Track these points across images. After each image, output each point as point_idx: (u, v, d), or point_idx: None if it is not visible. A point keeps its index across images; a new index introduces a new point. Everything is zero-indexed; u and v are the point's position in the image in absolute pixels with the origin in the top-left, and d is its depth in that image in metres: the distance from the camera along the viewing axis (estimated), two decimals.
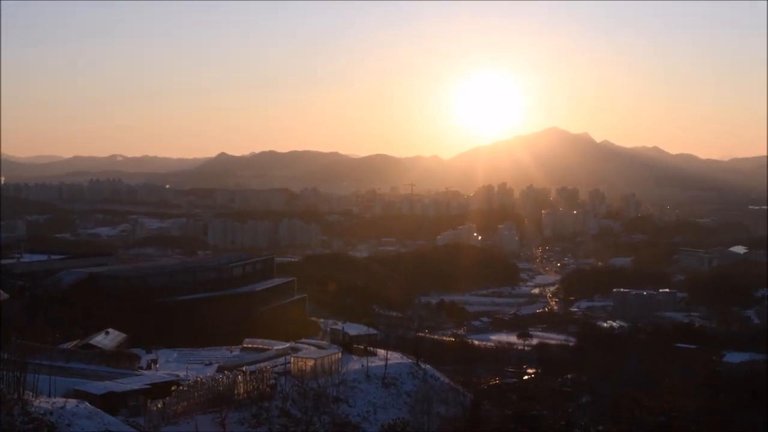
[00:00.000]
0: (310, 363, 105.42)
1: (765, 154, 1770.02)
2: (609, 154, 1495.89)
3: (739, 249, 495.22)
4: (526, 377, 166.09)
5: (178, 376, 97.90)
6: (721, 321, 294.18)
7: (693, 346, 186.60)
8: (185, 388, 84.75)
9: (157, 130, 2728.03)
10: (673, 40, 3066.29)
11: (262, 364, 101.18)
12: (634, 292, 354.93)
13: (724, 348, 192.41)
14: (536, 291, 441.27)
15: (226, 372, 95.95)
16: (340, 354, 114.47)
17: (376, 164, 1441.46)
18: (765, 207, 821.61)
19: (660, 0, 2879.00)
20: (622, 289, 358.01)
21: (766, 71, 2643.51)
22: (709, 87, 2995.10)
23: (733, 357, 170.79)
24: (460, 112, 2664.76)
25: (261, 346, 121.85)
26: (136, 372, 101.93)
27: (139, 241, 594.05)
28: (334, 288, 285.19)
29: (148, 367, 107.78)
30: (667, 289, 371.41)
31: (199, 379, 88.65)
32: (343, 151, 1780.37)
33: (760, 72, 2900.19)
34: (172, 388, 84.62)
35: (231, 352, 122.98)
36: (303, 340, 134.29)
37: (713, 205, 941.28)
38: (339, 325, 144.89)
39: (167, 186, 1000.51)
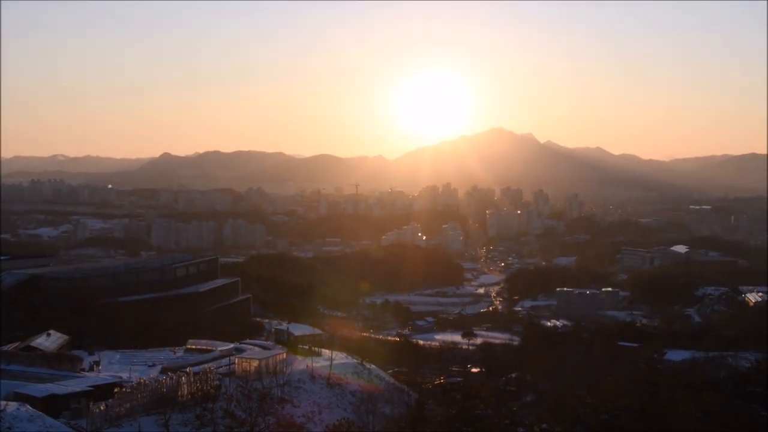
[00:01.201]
0: (255, 364, 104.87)
1: (706, 154, 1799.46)
2: (553, 155, 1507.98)
3: (681, 248, 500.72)
4: (470, 376, 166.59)
5: (120, 377, 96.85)
6: (663, 319, 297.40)
7: (635, 345, 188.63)
8: (128, 390, 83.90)
9: (99, 130, 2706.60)
10: (615, 42, 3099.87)
11: (206, 365, 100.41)
12: (577, 291, 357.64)
13: (666, 346, 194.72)
14: (480, 291, 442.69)
15: (169, 373, 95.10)
16: (284, 354, 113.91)
17: (321, 164, 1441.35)
18: (706, 207, 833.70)
19: (602, 0, 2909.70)
20: (565, 289, 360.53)
21: (708, 74, 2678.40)
22: (650, 88, 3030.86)
23: (675, 355, 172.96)
24: (405, 112, 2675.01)
25: (205, 347, 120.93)
26: (78, 374, 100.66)
27: (82, 242, 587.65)
28: (278, 288, 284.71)
29: (91, 369, 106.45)
30: (609, 288, 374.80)
31: (142, 380, 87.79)
32: (288, 152, 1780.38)
33: (700, 74, 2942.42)
34: (115, 390, 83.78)
35: (175, 353, 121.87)
36: (247, 340, 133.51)
37: (655, 205, 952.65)
38: (284, 326, 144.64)
39: (110, 186, 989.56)
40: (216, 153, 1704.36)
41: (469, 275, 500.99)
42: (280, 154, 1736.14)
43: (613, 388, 70.71)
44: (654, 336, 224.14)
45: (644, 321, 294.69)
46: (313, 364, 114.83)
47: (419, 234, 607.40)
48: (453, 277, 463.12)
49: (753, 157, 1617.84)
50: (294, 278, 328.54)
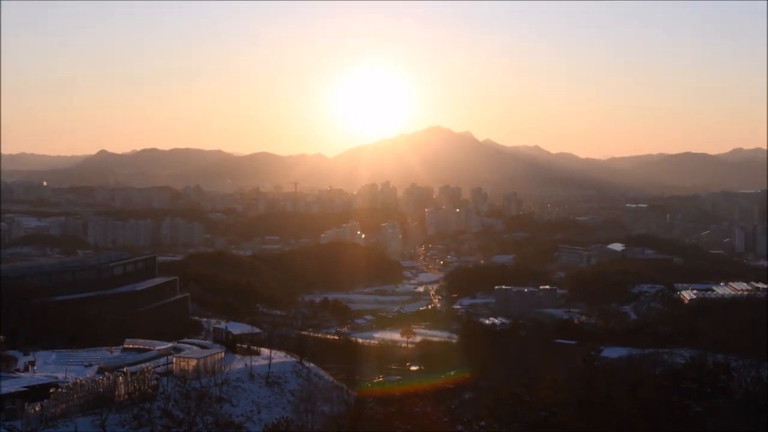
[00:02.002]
0: (193, 363, 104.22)
1: (642, 153, 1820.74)
2: (491, 153, 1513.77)
3: (617, 246, 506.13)
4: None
5: (56, 378, 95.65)
6: (600, 317, 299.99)
7: (572, 342, 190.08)
8: (64, 390, 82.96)
9: (34, 127, 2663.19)
10: (552, 41, 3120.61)
11: (143, 365, 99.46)
12: (515, 289, 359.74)
13: (603, 343, 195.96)
14: (419, 289, 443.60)
15: (106, 373, 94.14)
16: (223, 353, 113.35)
17: (260, 162, 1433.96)
18: (642, 205, 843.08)
19: (538, 0, 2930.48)
20: (503, 287, 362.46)
21: (643, 74, 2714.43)
22: (587, 88, 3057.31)
23: (611, 352, 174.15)
24: (345, 110, 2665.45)
25: (142, 347, 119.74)
26: (13, 374, 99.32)
27: (16, 241, 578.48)
28: (217, 287, 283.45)
29: (26, 370, 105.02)
30: (547, 286, 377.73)
31: (78, 380, 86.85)
32: (226, 149, 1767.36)
33: (636, 74, 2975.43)
34: (51, 391, 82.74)
35: (112, 352, 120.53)
36: (185, 339, 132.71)
37: (592, 203, 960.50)
38: (222, 324, 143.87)
39: (45, 184, 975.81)
40: (153, 150, 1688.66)
41: (408, 273, 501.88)
42: (219, 151, 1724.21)
43: (551, 385, 71.25)
44: (591, 333, 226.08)
45: (581, 318, 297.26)
46: (252, 363, 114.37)
47: (358, 232, 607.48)
48: (392, 276, 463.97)
49: (688, 156, 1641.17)
50: (232, 277, 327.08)
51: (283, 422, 73.17)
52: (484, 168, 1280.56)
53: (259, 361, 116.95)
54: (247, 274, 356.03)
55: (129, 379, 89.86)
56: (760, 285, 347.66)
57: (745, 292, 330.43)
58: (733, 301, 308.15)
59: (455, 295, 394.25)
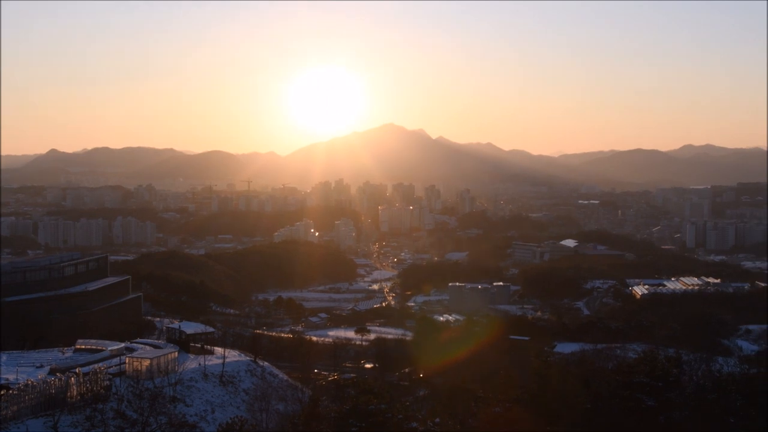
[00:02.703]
0: (146, 363, 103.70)
1: (593, 150, 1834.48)
2: (445, 150, 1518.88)
3: (570, 242, 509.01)
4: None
5: (7, 379, 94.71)
6: (553, 312, 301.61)
7: (526, 338, 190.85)
8: (15, 392, 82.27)
9: None
10: (505, 39, 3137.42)
11: (96, 365, 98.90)
12: (469, 285, 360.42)
13: (556, 339, 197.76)
14: (374, 286, 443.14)
15: (58, 374, 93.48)
16: (176, 353, 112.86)
17: (213, 161, 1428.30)
18: (594, 201, 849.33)
19: (492, 0, 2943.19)
20: (457, 283, 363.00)
21: (594, 72, 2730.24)
22: (540, 85, 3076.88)
23: (564, 347, 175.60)
24: (298, 108, 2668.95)
25: (95, 347, 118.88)
26: None
27: None
28: (170, 286, 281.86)
29: None
30: (501, 283, 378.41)
31: (30, 382, 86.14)
32: (178, 148, 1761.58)
33: (587, 72, 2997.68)
34: (1, 393, 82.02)
35: (63, 353, 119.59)
36: (138, 339, 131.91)
37: (545, 200, 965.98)
38: (175, 324, 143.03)
39: None
40: (105, 149, 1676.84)
41: (362, 271, 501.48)
42: (171, 150, 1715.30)
43: (505, 380, 71.62)
44: (544, 329, 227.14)
45: (535, 314, 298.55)
46: (206, 363, 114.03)
47: (312, 230, 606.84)
48: (346, 273, 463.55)
49: (639, 152, 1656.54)
50: (185, 276, 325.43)
51: (238, 421, 72.78)
52: (437, 165, 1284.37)
53: (212, 361, 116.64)
54: (201, 273, 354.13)
55: (81, 380, 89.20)
56: (711, 280, 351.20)
57: (696, 287, 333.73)
58: (684, 296, 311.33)
59: (409, 293, 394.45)
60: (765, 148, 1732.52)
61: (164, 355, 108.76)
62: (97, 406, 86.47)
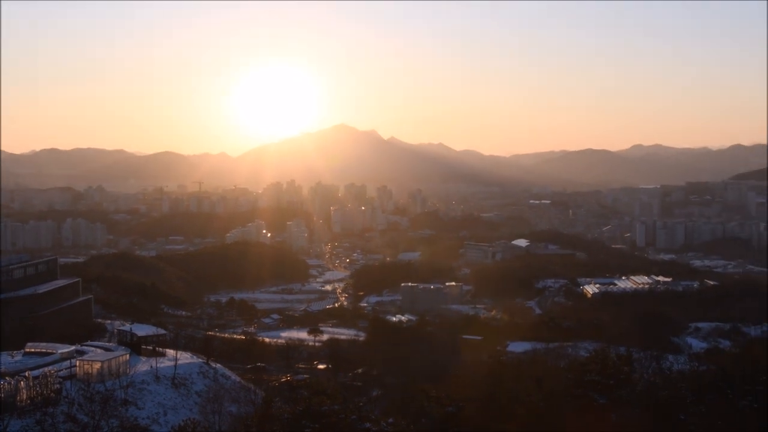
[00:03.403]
0: (97, 366, 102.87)
1: (544, 150, 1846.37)
2: (396, 151, 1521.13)
3: (522, 242, 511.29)
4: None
5: None
6: (505, 312, 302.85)
7: (479, 338, 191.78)
8: None
9: None
10: (455, 39, 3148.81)
11: (46, 369, 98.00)
12: (421, 286, 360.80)
13: (508, 338, 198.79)
14: (326, 287, 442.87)
15: (7, 378, 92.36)
16: (128, 355, 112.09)
17: (163, 162, 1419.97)
18: (545, 201, 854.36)
19: (443, 0, 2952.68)
20: (410, 284, 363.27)
21: (544, 72, 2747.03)
22: (490, 86, 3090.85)
23: (517, 346, 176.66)
24: (249, 109, 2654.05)
25: (45, 350, 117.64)
26: None
27: None
28: (121, 288, 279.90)
29: None
30: (453, 283, 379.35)
31: None
32: (129, 149, 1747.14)
33: (537, 73, 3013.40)
34: None
35: (13, 357, 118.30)
36: (89, 342, 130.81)
37: (497, 200, 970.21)
38: (126, 326, 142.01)
39: None
40: (53, 151, 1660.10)
41: (314, 272, 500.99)
42: (121, 151, 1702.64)
43: (458, 380, 71.92)
44: (496, 328, 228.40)
45: (487, 314, 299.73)
46: (158, 365, 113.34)
47: (264, 231, 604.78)
48: (298, 274, 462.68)
49: (589, 152, 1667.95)
50: (137, 278, 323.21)
51: (190, 424, 72.45)
52: (389, 166, 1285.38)
53: (164, 363, 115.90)
54: (152, 274, 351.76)
55: (31, 384, 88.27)
56: (661, 278, 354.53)
57: (646, 286, 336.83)
58: (635, 295, 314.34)
59: (362, 293, 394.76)
60: (712, 148, 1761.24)
61: (115, 357, 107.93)
62: (47, 410, 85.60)
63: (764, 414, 63.98)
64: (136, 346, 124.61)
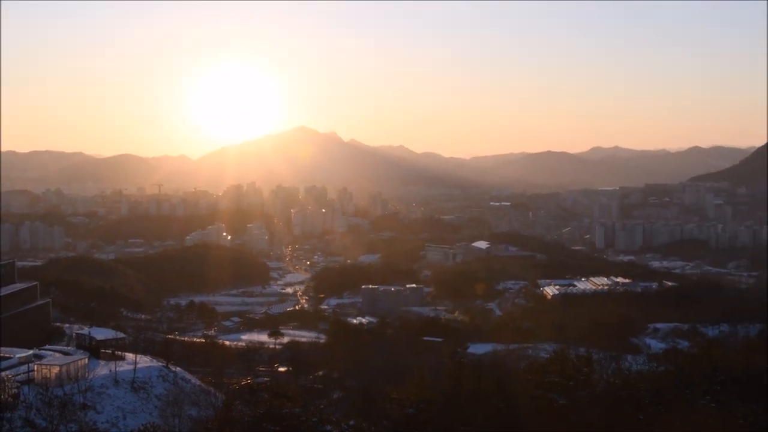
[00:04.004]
0: (55, 370, 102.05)
1: (504, 152, 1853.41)
2: (357, 153, 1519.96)
3: (482, 244, 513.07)
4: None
5: None
6: (466, 314, 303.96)
7: (439, 339, 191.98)
8: None
9: None
10: (414, 41, 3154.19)
11: (3, 373, 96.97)
12: (382, 288, 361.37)
13: (469, 340, 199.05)
14: (287, 290, 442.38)
15: None
16: (86, 359, 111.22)
17: (122, 164, 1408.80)
18: (506, 203, 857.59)
19: (402, 0, 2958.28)
20: (370, 286, 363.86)
21: (504, 74, 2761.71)
22: (451, 88, 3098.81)
23: (477, 348, 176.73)
24: (209, 111, 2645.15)
25: (2, 355, 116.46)
26: None
27: None
28: (79, 292, 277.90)
29: None
30: (414, 285, 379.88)
31: None
32: (87, 151, 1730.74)
33: (497, 75, 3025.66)
34: None
35: None
36: (47, 346, 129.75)
37: (457, 202, 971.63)
38: (85, 330, 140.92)
39: None
40: (10, 153, 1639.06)
41: (275, 274, 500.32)
42: (80, 154, 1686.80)
43: (419, 382, 71.95)
44: (457, 330, 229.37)
45: (448, 316, 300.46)
46: (117, 369, 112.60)
47: (224, 234, 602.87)
48: (259, 277, 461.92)
49: (549, 154, 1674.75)
50: (95, 281, 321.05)
51: (150, 427, 72.10)
52: (349, 168, 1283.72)
53: (124, 367, 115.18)
54: (111, 278, 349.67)
55: None
56: (620, 279, 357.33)
57: (606, 287, 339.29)
58: (594, 296, 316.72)
59: (322, 295, 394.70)
60: (671, 150, 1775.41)
61: (74, 361, 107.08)
62: (4, 415, 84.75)
63: (722, 414, 64.55)
64: (95, 350, 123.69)
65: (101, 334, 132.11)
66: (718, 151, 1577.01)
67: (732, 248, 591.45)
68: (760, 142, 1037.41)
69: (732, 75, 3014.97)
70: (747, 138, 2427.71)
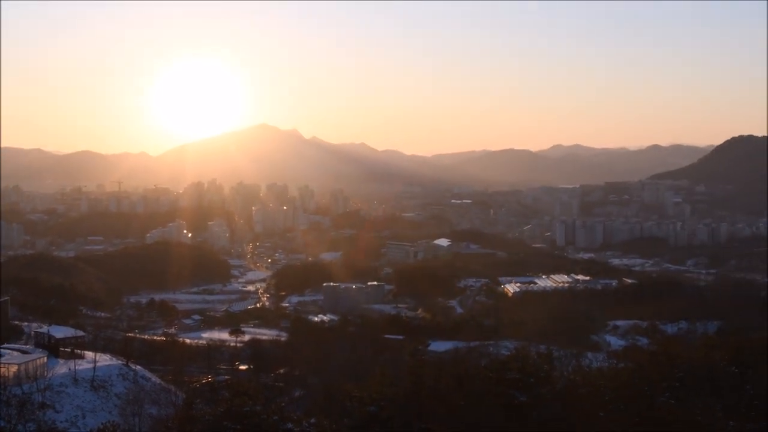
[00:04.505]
0: (13, 369, 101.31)
1: (465, 150, 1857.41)
2: (318, 150, 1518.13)
3: (443, 242, 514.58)
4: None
5: None
6: (427, 311, 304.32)
7: (400, 337, 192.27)
8: None
9: None
10: (376, 39, 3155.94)
11: None
12: (343, 285, 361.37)
13: (430, 337, 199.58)
14: (248, 287, 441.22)
15: None
16: (45, 358, 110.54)
17: (82, 161, 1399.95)
18: (467, 201, 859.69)
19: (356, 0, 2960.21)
20: (331, 283, 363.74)
21: (464, 73, 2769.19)
22: (412, 85, 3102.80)
23: (438, 346, 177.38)
24: (169, 108, 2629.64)
25: None
26: None
27: None
28: (38, 289, 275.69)
29: None
30: (375, 282, 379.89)
31: None
32: (46, 148, 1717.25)
33: (458, 73, 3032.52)
34: None
35: None
36: (5, 345, 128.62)
37: (418, 200, 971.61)
38: (44, 328, 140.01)
39: None
40: None
41: (236, 272, 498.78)
42: (39, 150, 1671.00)
43: (380, 380, 71.86)
44: (418, 328, 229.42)
45: (409, 313, 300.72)
46: (76, 367, 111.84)
47: (185, 231, 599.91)
48: (220, 274, 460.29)
49: (510, 152, 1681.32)
50: (55, 279, 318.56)
51: (109, 426, 71.49)
52: (311, 165, 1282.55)
53: (83, 365, 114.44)
54: (70, 276, 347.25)
55: None
56: (580, 277, 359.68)
57: (566, 284, 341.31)
58: (555, 293, 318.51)
59: (284, 293, 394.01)
60: (631, 149, 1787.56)
61: (32, 360, 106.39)
62: None
63: (681, 410, 65.03)
64: (54, 348, 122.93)
65: (60, 332, 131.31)
66: (678, 149, 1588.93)
67: (691, 246, 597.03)
68: (718, 141, 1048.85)
69: (691, 74, 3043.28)
70: (706, 137, 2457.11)
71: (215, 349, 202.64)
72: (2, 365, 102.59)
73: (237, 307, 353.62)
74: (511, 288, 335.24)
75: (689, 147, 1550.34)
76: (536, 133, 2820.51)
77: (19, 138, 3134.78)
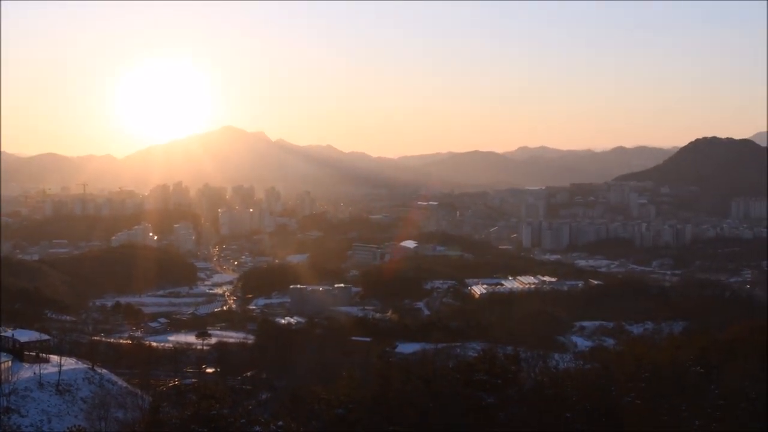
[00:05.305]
0: None
1: (431, 152, 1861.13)
2: (284, 153, 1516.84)
3: (410, 243, 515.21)
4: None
5: None
6: (394, 313, 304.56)
7: (368, 339, 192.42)
8: None
9: None
10: (341, 41, 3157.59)
11: None
12: (310, 288, 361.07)
13: (397, 339, 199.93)
14: (215, 290, 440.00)
15: None
16: (10, 362, 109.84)
17: (46, 163, 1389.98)
18: (433, 202, 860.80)
19: (329, 1, 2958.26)
20: (298, 286, 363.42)
21: (430, 75, 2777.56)
22: (375, 87, 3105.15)
23: (406, 347, 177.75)
24: (134, 110, 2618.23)
25: None
26: None
27: None
28: (2, 293, 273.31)
29: None
30: (342, 285, 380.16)
31: None
32: (9, 150, 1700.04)
33: (424, 75, 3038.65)
34: None
35: None
36: None
37: (385, 202, 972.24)
38: (8, 332, 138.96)
39: None
40: None
41: (202, 275, 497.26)
42: (2, 152, 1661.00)
43: (347, 382, 71.89)
44: (385, 330, 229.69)
45: (376, 315, 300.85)
46: (41, 371, 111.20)
47: (150, 234, 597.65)
48: (186, 277, 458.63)
49: (476, 154, 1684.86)
50: (19, 282, 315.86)
51: (75, 431, 71.20)
52: (277, 168, 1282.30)
53: (48, 369, 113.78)
54: (35, 279, 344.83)
55: None
56: (546, 278, 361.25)
57: (532, 286, 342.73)
58: (522, 295, 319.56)
59: (250, 296, 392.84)
60: (596, 150, 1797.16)
61: None
62: None
63: (647, 410, 65.43)
64: (18, 352, 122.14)
65: (25, 336, 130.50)
66: (642, 151, 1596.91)
67: (656, 247, 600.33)
68: (682, 143, 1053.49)
69: (654, 76, 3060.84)
70: (670, 138, 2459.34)
71: (182, 352, 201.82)
72: None
73: (203, 310, 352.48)
74: (477, 290, 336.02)
75: (654, 149, 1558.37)
76: (502, 135, 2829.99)
77: None
